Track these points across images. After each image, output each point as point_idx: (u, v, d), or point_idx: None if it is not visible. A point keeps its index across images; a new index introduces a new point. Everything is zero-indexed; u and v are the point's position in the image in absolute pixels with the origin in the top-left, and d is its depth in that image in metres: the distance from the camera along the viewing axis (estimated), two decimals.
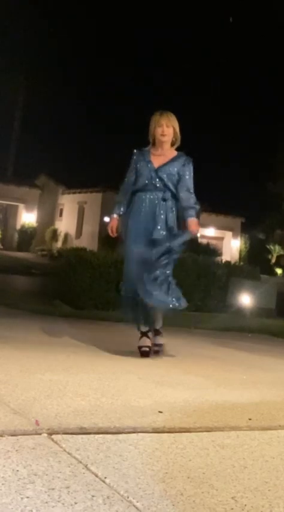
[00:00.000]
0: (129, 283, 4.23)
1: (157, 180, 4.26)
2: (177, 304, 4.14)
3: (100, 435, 2.10)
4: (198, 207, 4.30)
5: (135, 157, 4.42)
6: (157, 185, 4.26)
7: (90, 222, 28.23)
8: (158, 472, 1.80)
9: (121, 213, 4.40)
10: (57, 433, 2.06)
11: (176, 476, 1.79)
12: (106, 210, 22.99)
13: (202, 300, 10.73)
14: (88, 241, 24.89)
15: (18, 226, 29.28)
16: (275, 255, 31.94)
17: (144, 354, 4.20)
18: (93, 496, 1.55)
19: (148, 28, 46.82)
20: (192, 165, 4.35)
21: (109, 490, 1.61)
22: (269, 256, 31.62)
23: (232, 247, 31.44)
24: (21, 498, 1.48)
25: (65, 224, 30.24)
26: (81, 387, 2.85)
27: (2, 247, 28.13)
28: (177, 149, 4.41)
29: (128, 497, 1.58)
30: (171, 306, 4.15)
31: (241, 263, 24.41)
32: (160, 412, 2.52)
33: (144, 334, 4.26)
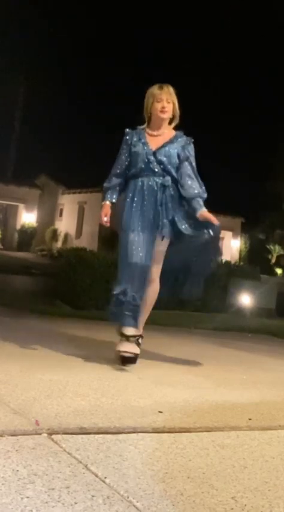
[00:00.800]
0: (127, 282, 3.68)
1: (156, 163, 3.76)
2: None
3: (100, 435, 2.10)
4: (205, 195, 3.84)
5: (127, 137, 3.89)
6: (156, 170, 3.76)
7: (90, 222, 28.22)
8: (158, 472, 1.80)
9: (113, 200, 3.92)
10: (57, 433, 2.06)
11: (176, 476, 1.79)
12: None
13: (202, 300, 10.72)
14: (88, 241, 24.90)
15: (18, 226, 29.28)
16: (275, 255, 31.93)
17: (127, 360, 3.60)
18: (93, 496, 1.55)
19: (148, 28, 46.83)
20: (193, 146, 3.88)
21: (109, 490, 1.61)
22: (269, 256, 31.60)
23: (232, 247, 31.41)
24: (21, 498, 1.48)
25: (65, 224, 30.25)
26: (81, 387, 2.85)
27: (2, 247, 28.12)
28: (175, 128, 3.90)
29: (128, 497, 1.58)
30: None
31: (241, 263, 24.41)
32: (160, 412, 2.52)
33: (128, 338, 3.63)
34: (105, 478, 1.70)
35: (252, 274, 12.74)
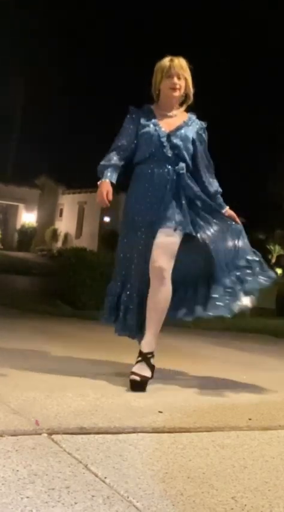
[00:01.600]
0: (121, 284, 3.27)
1: (169, 148, 3.19)
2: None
3: (100, 435, 2.10)
4: (220, 190, 3.42)
5: (133, 116, 3.29)
6: (169, 155, 3.19)
7: (90, 222, 28.27)
8: (158, 472, 1.80)
9: (113, 180, 3.19)
10: (57, 433, 2.06)
11: (176, 476, 1.79)
12: (106, 210, 22.99)
13: None
14: (88, 241, 24.93)
15: (18, 226, 29.31)
16: (275, 255, 31.95)
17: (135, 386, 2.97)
18: (93, 496, 1.55)
19: (148, 28, 46.88)
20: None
21: (109, 490, 1.61)
22: (270, 256, 31.61)
23: None
24: (21, 498, 1.48)
25: (65, 224, 30.29)
26: (81, 387, 2.85)
27: (2, 247, 28.14)
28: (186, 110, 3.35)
29: (128, 497, 1.58)
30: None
31: None
32: (160, 412, 2.52)
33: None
34: (105, 478, 1.70)
35: None
